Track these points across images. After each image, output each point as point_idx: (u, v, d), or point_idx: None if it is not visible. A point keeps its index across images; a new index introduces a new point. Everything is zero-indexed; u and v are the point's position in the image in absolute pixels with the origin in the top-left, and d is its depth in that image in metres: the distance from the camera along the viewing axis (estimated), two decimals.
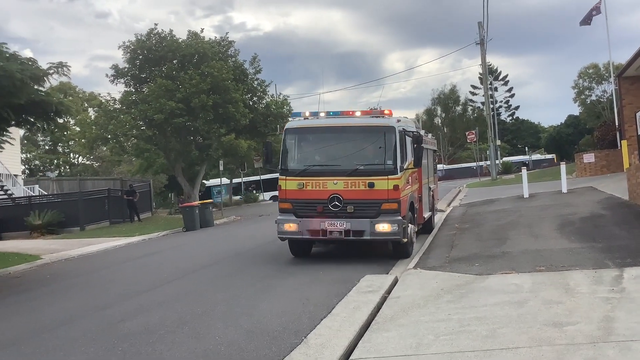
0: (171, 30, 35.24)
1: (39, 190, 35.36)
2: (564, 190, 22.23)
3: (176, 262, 15.86)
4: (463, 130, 64.07)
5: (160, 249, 20.06)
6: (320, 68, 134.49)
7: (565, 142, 77.48)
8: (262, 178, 52.67)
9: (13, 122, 15.68)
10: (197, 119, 33.10)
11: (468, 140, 49.38)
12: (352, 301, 9.05)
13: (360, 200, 12.52)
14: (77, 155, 64.97)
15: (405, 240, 12.75)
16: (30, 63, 14.44)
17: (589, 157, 32.00)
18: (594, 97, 61.03)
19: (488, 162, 47.60)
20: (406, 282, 10.17)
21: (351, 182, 12.58)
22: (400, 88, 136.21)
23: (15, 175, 34.63)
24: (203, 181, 44.82)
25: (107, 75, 35.75)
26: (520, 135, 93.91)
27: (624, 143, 27.15)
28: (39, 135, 60.07)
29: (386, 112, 13.31)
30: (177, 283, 12.35)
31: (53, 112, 15.09)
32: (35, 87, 14.36)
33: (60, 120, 17.46)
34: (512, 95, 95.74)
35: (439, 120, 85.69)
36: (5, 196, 31.79)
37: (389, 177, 12.47)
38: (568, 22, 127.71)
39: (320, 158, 13.48)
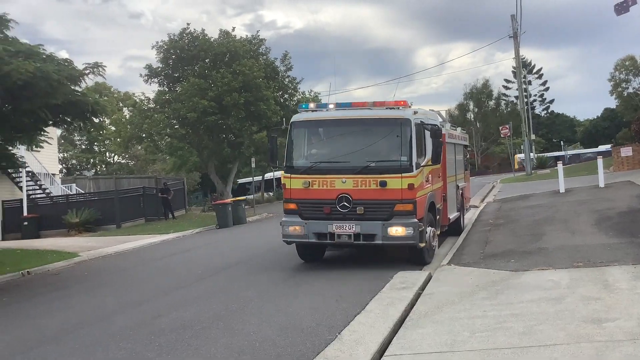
0: (203, 30, 35.59)
1: (76, 189, 36.05)
2: (601, 184, 21.78)
3: (210, 259, 16.01)
4: (496, 125, 63.19)
5: (194, 246, 20.28)
6: (350, 64, 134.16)
7: (601, 135, 75.97)
8: None
9: (50, 122, 15.97)
10: (229, 117, 33.37)
11: (502, 135, 48.73)
12: (386, 297, 9.02)
13: (371, 200, 11.40)
14: (113, 154, 66.06)
15: (423, 245, 11.56)
16: (66, 64, 14.67)
17: (626, 151, 31.31)
18: (631, 90, 59.57)
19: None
20: (440, 278, 10.10)
21: (361, 181, 11.45)
22: (432, 83, 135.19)
23: (53, 175, 35.35)
24: (235, 179, 45.12)
25: (141, 75, 36.30)
26: (555, 129, 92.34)
27: None
28: (76, 134, 61.21)
29: (401, 103, 12.09)
30: (210, 279, 12.47)
31: (89, 111, 15.31)
32: (72, 87, 14.60)
33: (96, 120, 17.71)
34: (547, 89, 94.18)
35: (472, 115, 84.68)
36: (44, 195, 32.47)
37: (403, 175, 11.25)
38: (603, 13, 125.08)
39: (328, 154, 12.38)
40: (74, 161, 66.22)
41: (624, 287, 8.16)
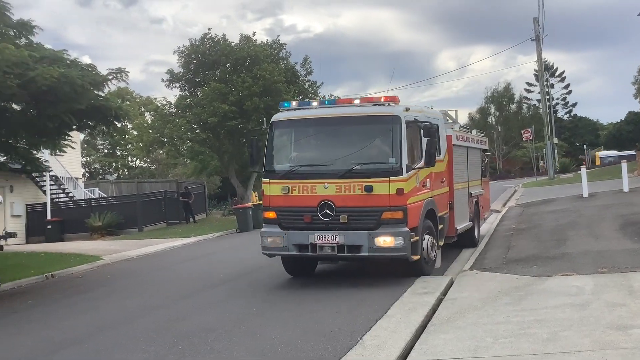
0: (224, 35, 35.76)
1: (99, 193, 36.44)
2: (626, 189, 21.51)
3: (230, 262, 16.08)
4: (518, 129, 62.75)
5: (215, 249, 20.38)
6: (369, 68, 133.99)
7: (625, 139, 74.94)
8: None
9: (74, 127, 16.16)
10: (250, 122, 33.49)
11: (524, 139, 48.35)
12: (407, 302, 8.99)
13: (355, 208, 10.34)
14: (135, 159, 66.64)
15: (417, 257, 10.45)
16: (90, 69, 14.86)
17: None
18: None
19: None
20: (462, 283, 10.04)
21: (345, 186, 10.37)
22: (452, 87, 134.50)
23: (76, 178, 35.78)
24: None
25: (162, 79, 36.57)
26: (578, 132, 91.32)
27: None
28: (98, 139, 61.78)
29: (391, 98, 11.07)
30: (231, 284, 12.51)
31: (112, 116, 15.48)
32: (95, 92, 14.77)
33: (119, 125, 17.87)
34: (569, 92, 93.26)
35: (493, 119, 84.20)
36: (67, 199, 32.88)
37: (392, 179, 10.17)
38: (626, 16, 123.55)
39: (310, 156, 11.38)
40: (96, 165, 66.92)
41: None
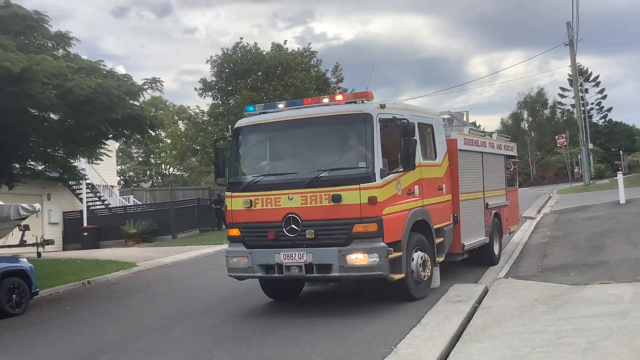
0: (256, 44, 36.12)
1: (134, 200, 37.00)
2: None
3: None
4: (552, 134, 61.78)
5: None
6: (400, 75, 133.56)
7: None
8: None
9: (110, 136, 16.51)
10: None
11: (558, 145, 47.56)
12: (441, 310, 8.92)
13: (323, 221, 9.08)
14: (168, 166, 67.50)
15: (399, 276, 9.17)
16: (125, 79, 15.16)
17: None
18: None
19: None
20: (497, 291, 9.93)
21: (311, 196, 9.11)
22: (484, 92, 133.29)
23: (112, 186, 36.39)
24: None
25: (195, 88, 37.06)
26: (613, 138, 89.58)
27: None
28: (133, 147, 62.81)
29: (364, 95, 9.77)
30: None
31: (147, 125, 15.76)
32: (131, 102, 15.05)
33: (153, 133, 18.20)
34: (604, 97, 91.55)
35: (526, 125, 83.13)
36: (103, 206, 33.46)
37: (362, 185, 8.88)
38: None
39: (276, 164, 10.30)
40: (131, 173, 67.97)
41: None
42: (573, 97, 55.32)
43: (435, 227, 10.41)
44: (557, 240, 14.95)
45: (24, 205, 22.46)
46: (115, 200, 35.52)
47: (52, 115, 15.19)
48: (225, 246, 24.48)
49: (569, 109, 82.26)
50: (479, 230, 12.43)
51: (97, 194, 33.73)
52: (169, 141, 53.72)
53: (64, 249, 29.82)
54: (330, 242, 9.03)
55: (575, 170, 56.16)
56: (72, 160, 18.12)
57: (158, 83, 16.08)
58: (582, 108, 50.41)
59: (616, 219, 17.14)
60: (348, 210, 8.96)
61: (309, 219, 9.15)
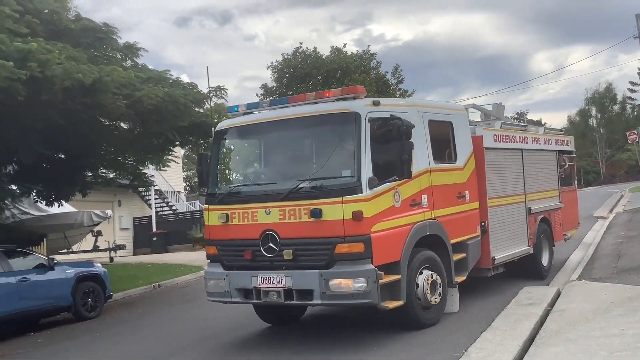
0: (315, 48, 36.39)
1: (199, 206, 37.79)
2: None
3: None
4: (622, 131, 59.63)
5: None
6: (461, 74, 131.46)
7: None
8: None
9: (177, 143, 16.95)
10: None
11: (629, 141, 45.93)
12: (512, 314, 8.72)
13: (302, 239, 7.81)
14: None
15: (397, 304, 7.77)
16: (190, 87, 15.55)
17: None
18: None
19: None
20: (570, 294, 9.63)
21: (290, 211, 7.85)
22: (549, 89, 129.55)
23: (179, 192, 37.33)
24: None
25: (257, 94, 37.64)
26: None
27: None
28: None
29: (354, 90, 8.38)
30: None
31: (212, 131, 16.11)
32: (196, 109, 15.43)
33: None
34: None
35: (594, 121, 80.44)
36: (171, 212, 34.35)
37: (345, 198, 7.53)
38: None
39: (256, 172, 9.28)
40: (196, 179, 69.51)
41: None
42: None
43: (453, 241, 9.01)
44: (632, 241, 14.39)
45: (97, 211, 23.43)
46: (182, 205, 36.42)
47: (121, 125, 15.71)
48: None
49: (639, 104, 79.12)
50: (519, 239, 10.89)
51: (165, 200, 34.66)
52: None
53: (135, 254, 30.78)
54: (311, 264, 7.71)
55: None
56: (141, 168, 18.67)
57: (222, 91, 16.44)
58: None
59: None
60: (330, 227, 7.60)
61: (288, 236, 7.85)
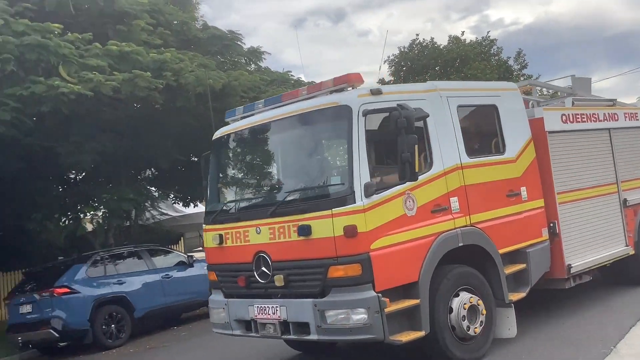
0: (432, 38, 35.79)
1: None
2: None
3: None
4: None
5: None
6: (589, 55, 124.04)
7: None
8: None
9: None
10: None
11: None
12: None
13: (293, 262, 6.61)
14: None
15: (411, 337, 6.27)
16: None
17: None
18: None
19: None
20: None
21: (279, 228, 6.65)
22: None
23: None
24: None
25: None
26: None
27: None
28: None
29: (349, 78, 6.77)
30: None
31: None
32: None
33: None
34: None
35: None
36: None
37: (334, 211, 6.20)
38: None
39: (247, 185, 8.05)
40: None
41: None
42: None
43: (503, 251, 7.38)
44: None
45: None
46: None
47: None
48: None
49: None
50: (612, 239, 8.96)
51: None
52: None
53: None
54: (304, 292, 6.49)
55: None
56: None
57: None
58: None
59: None
60: (320, 246, 6.30)
61: (279, 259, 6.69)
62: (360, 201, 6.17)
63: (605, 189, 8.98)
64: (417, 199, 6.61)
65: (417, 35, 36.66)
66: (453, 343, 6.64)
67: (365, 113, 6.34)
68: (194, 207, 18.93)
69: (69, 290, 11.82)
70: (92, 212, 15.65)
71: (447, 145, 7.04)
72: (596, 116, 9.22)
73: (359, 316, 6.07)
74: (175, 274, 13.30)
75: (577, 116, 8.91)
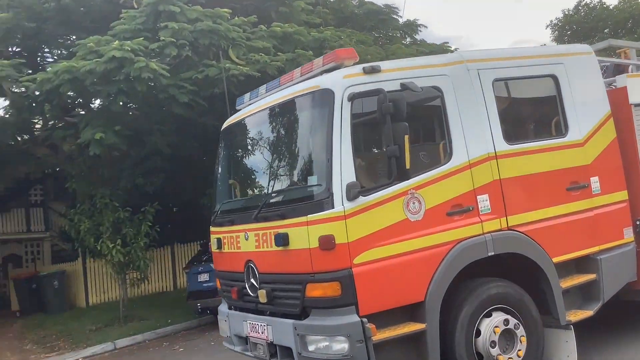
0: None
1: None
2: None
3: None
4: None
5: None
6: None
7: None
8: None
9: None
10: None
11: None
12: None
13: (276, 275, 5.67)
14: None
15: None
16: None
17: None
18: None
19: None
20: None
21: (263, 235, 5.74)
22: None
23: None
24: None
25: None
26: None
27: None
28: None
29: (338, 55, 5.59)
30: None
31: None
32: None
33: None
34: None
35: None
36: None
37: (310, 217, 5.16)
38: None
39: (243, 183, 7.02)
40: None
41: None
42: None
43: (560, 259, 5.90)
44: None
45: None
46: None
47: None
48: None
49: None
50: None
51: None
52: None
53: None
54: (286, 310, 5.55)
55: None
56: None
57: None
58: None
59: None
60: (298, 259, 5.29)
61: (265, 270, 5.80)
62: (340, 206, 5.01)
63: None
64: (426, 200, 5.34)
65: None
66: None
67: (353, 97, 5.19)
68: None
69: None
70: None
71: (474, 130, 5.68)
72: None
73: (340, 345, 5.01)
74: None
75: None
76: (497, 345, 5.35)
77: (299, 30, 12.60)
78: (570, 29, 33.22)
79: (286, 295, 5.47)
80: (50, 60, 15.04)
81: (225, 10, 11.71)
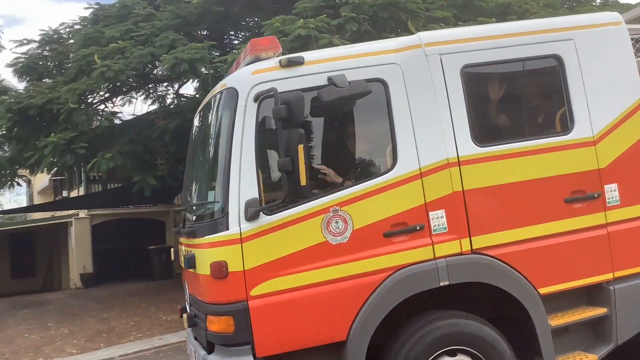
0: None
1: None
2: None
3: None
4: None
5: None
6: None
7: None
8: None
9: None
10: None
11: None
12: None
13: (194, 298, 4.98)
14: None
15: None
16: None
17: None
18: None
19: None
20: None
21: (184, 252, 5.28)
22: None
23: None
24: None
25: None
26: None
27: None
28: None
29: (261, 44, 4.76)
30: None
31: None
32: None
33: None
34: None
35: None
36: None
37: (206, 239, 4.46)
38: None
39: (185, 190, 6.34)
40: None
41: None
42: None
43: (551, 290, 4.69)
44: None
45: None
46: None
47: None
48: None
49: None
50: None
51: None
52: None
53: None
54: (201, 342, 4.82)
55: None
56: None
57: None
58: None
59: None
60: (201, 285, 4.62)
61: (190, 291, 5.16)
62: (236, 227, 4.22)
63: None
64: (354, 218, 4.37)
65: None
66: None
67: (260, 98, 4.33)
68: None
69: None
70: None
71: (430, 130, 4.61)
72: None
73: None
74: None
75: None
76: None
77: None
78: None
79: (200, 324, 4.76)
80: (235, 42, 15.81)
81: None
